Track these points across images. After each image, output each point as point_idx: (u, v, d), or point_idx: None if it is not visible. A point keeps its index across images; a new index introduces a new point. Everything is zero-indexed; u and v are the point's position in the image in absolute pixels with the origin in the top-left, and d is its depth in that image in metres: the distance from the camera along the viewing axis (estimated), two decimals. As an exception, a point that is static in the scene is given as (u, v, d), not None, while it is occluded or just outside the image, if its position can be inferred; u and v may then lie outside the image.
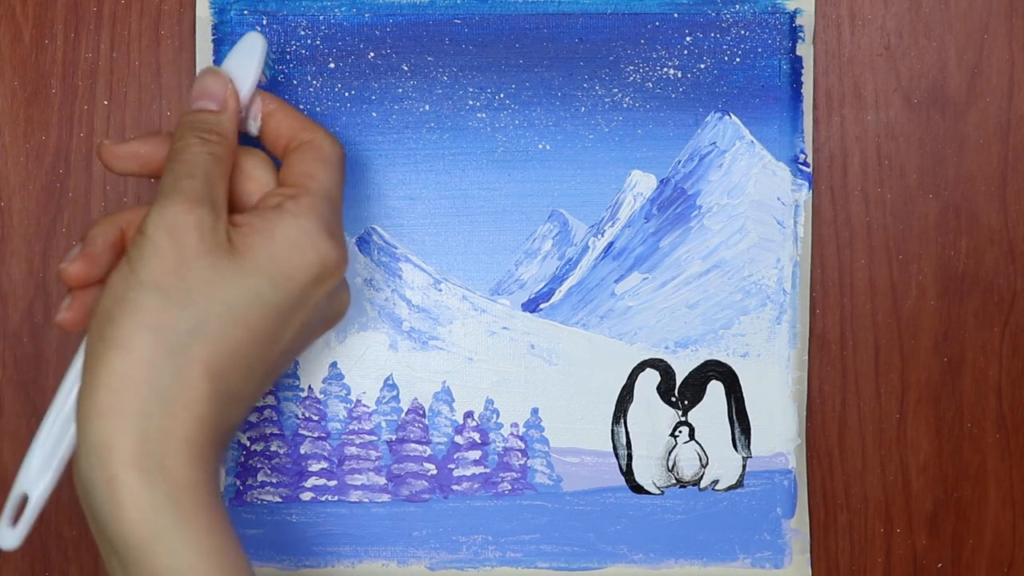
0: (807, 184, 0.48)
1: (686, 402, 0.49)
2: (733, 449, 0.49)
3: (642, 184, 0.48)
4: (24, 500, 0.40)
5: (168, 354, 0.36)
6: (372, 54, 0.48)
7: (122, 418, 0.35)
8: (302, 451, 0.48)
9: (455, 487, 0.48)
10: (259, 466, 0.48)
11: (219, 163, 0.39)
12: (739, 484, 0.49)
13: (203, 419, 0.36)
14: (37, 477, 0.40)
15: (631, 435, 0.49)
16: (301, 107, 0.48)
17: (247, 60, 0.42)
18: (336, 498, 0.48)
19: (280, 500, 0.48)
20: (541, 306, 0.49)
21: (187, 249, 0.36)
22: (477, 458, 0.49)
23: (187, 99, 0.41)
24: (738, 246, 0.48)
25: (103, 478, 0.35)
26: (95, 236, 0.40)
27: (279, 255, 0.37)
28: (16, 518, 0.40)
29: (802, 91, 0.48)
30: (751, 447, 0.49)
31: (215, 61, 0.48)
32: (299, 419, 0.48)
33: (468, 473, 0.49)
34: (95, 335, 0.36)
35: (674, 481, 0.49)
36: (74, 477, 0.37)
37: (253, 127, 0.42)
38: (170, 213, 0.36)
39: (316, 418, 0.48)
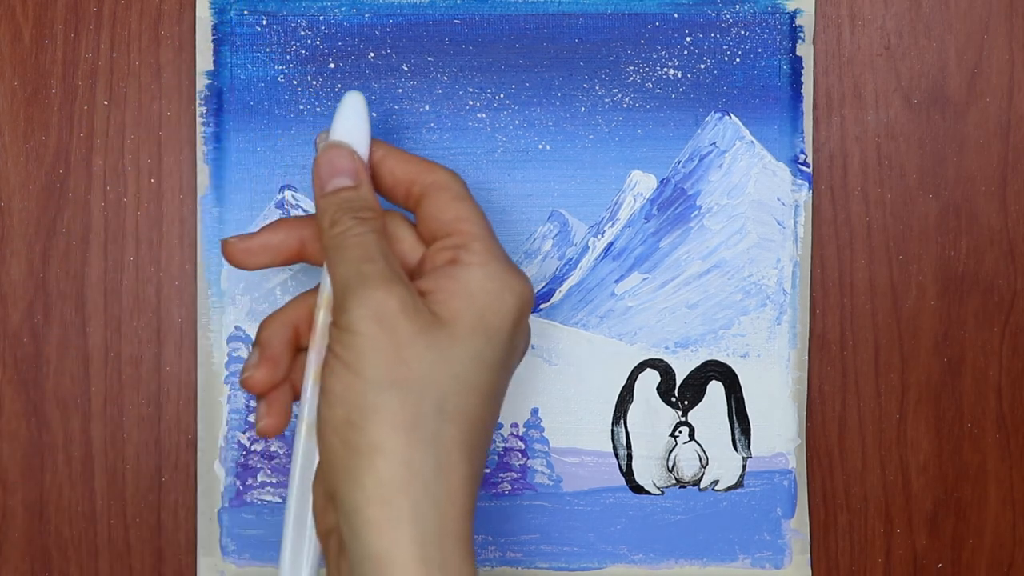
0: (807, 184, 0.48)
1: (686, 402, 0.49)
2: (733, 449, 0.49)
3: (642, 184, 0.48)
4: None
5: (424, 447, 0.34)
6: (372, 54, 0.48)
7: (398, 527, 0.34)
8: (302, 451, 0.48)
9: (455, 487, 0.48)
10: (259, 466, 0.48)
11: (384, 240, 0.37)
12: (739, 484, 0.49)
13: (465, 506, 0.35)
14: (297, 572, 0.39)
15: (631, 435, 0.49)
16: (301, 107, 0.48)
17: (356, 122, 0.40)
18: (336, 498, 0.48)
19: (280, 500, 0.48)
20: (541, 306, 0.49)
21: (401, 334, 0.35)
22: (477, 458, 0.49)
23: (316, 179, 0.39)
24: (738, 246, 0.48)
25: None
26: (270, 339, 0.39)
27: (484, 310, 0.36)
28: None
29: (802, 91, 0.48)
30: (751, 447, 0.49)
31: (215, 61, 0.48)
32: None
33: (468, 473, 0.49)
34: (338, 446, 0.35)
35: (674, 481, 0.49)
36: (339, 572, 0.36)
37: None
38: (371, 301, 0.35)
39: (316, 418, 0.48)
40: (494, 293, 0.36)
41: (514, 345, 0.37)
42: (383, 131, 0.48)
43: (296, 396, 0.40)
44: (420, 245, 0.39)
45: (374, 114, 0.48)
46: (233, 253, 0.40)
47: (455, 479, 0.35)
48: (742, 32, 0.48)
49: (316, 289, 0.40)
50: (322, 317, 0.38)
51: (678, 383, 0.49)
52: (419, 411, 0.34)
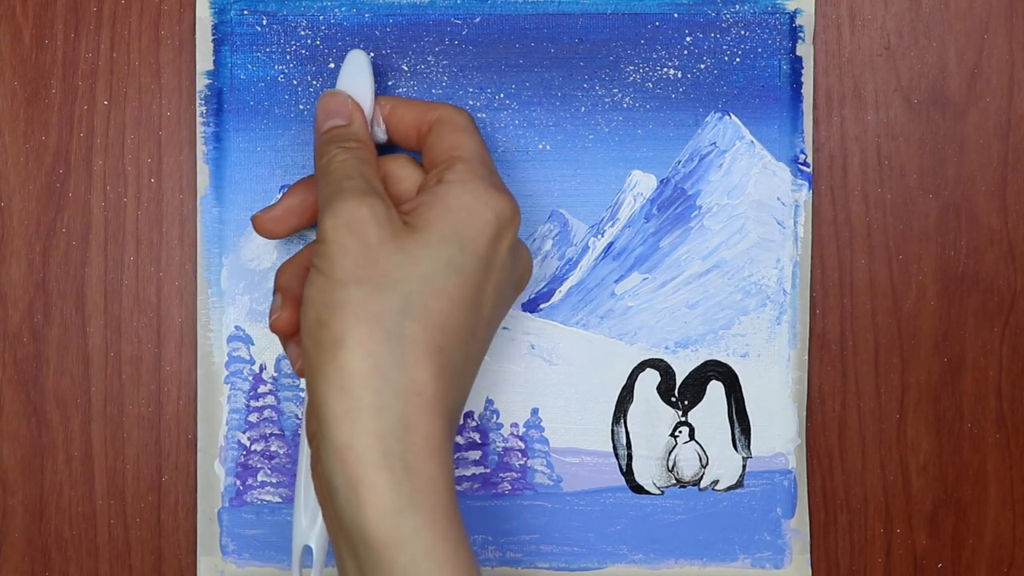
0: (807, 184, 0.48)
1: (686, 402, 0.49)
2: (733, 449, 0.49)
3: (642, 184, 0.48)
4: (307, 550, 0.41)
5: (387, 340, 0.35)
6: (372, 54, 0.48)
7: (359, 417, 0.35)
8: (302, 451, 0.48)
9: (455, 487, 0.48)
10: (259, 466, 0.48)
11: (368, 165, 0.39)
12: (739, 484, 0.49)
13: (434, 402, 0.36)
14: (309, 526, 0.41)
15: (631, 435, 0.49)
16: (301, 107, 0.48)
17: (358, 76, 0.43)
18: (336, 498, 0.48)
19: (280, 500, 0.48)
20: (541, 306, 0.49)
21: (370, 237, 0.36)
22: (477, 458, 0.49)
23: (315, 125, 0.42)
24: (738, 246, 0.48)
25: (346, 481, 0.35)
26: (289, 281, 0.41)
27: (458, 221, 0.37)
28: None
29: (802, 91, 0.48)
30: (751, 447, 0.49)
31: (215, 61, 0.48)
32: (299, 419, 0.48)
33: (468, 473, 0.49)
34: (311, 347, 0.36)
35: (674, 481, 0.49)
36: (315, 481, 0.38)
37: (380, 134, 0.43)
38: (343, 211, 0.37)
39: (316, 418, 0.48)
40: (470, 207, 0.38)
41: (495, 262, 0.38)
42: (383, 131, 0.48)
43: None
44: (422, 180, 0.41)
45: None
46: (262, 224, 0.43)
47: (420, 375, 0.36)
48: (742, 32, 0.48)
49: None
50: None
51: (678, 383, 0.49)
52: (383, 307, 0.36)
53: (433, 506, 0.35)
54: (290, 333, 0.41)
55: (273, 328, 0.41)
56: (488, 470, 0.49)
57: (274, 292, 0.42)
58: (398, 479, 0.35)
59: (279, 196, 0.45)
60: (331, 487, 0.36)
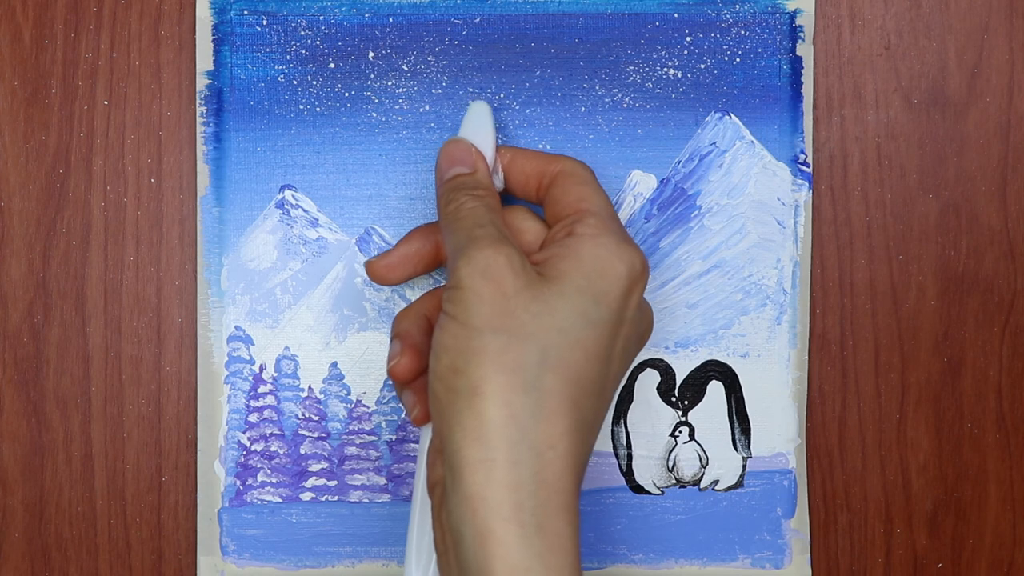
0: (807, 184, 0.48)
1: (686, 402, 0.49)
2: (733, 449, 0.49)
3: (642, 184, 0.48)
4: None
5: (525, 390, 0.35)
6: (372, 54, 0.48)
7: (494, 467, 0.34)
8: (302, 451, 0.48)
9: (455, 487, 0.48)
10: (259, 466, 0.48)
11: (497, 213, 0.39)
12: (739, 484, 0.49)
13: (567, 457, 0.35)
14: (423, 571, 0.40)
15: (631, 435, 0.49)
16: (300, 107, 0.48)
17: (480, 126, 0.42)
18: (336, 498, 0.48)
19: (280, 500, 0.48)
20: (541, 306, 0.49)
21: (506, 287, 0.36)
22: (477, 458, 0.48)
23: (437, 172, 0.42)
24: (738, 246, 0.48)
25: (475, 532, 0.34)
26: (408, 329, 0.41)
27: (592, 273, 0.37)
28: None
29: (802, 91, 0.48)
30: (751, 447, 0.49)
31: (215, 61, 0.48)
32: (299, 419, 0.48)
33: (468, 473, 0.49)
34: (442, 393, 0.36)
35: (674, 481, 0.49)
36: (436, 529, 0.37)
37: (498, 182, 0.43)
38: (479, 258, 0.36)
39: (316, 418, 0.48)
40: (604, 259, 0.37)
41: (626, 316, 0.38)
42: (383, 131, 0.48)
43: None
44: (544, 234, 0.41)
45: (373, 114, 0.48)
46: (376, 271, 0.43)
47: (556, 428, 0.35)
48: (742, 32, 0.48)
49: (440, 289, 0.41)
50: None
51: (678, 383, 0.49)
52: (521, 357, 0.35)
53: (560, 566, 0.34)
54: (408, 379, 0.41)
55: (392, 374, 0.41)
56: (488, 470, 0.48)
57: (392, 339, 0.42)
58: (529, 535, 0.34)
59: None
60: (458, 537, 0.35)
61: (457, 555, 0.35)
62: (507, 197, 0.44)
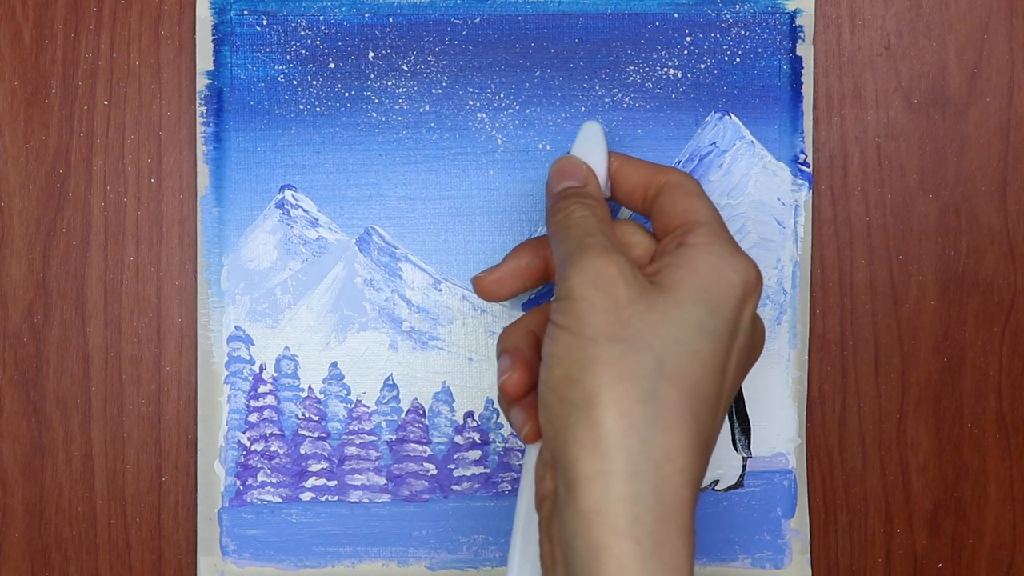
0: (807, 184, 0.48)
1: (686, 402, 0.49)
2: (733, 449, 0.49)
3: (642, 184, 0.48)
4: None
5: (643, 401, 0.33)
6: (372, 54, 0.48)
7: (611, 481, 0.33)
8: (302, 451, 0.48)
9: (455, 487, 0.48)
10: (259, 466, 0.48)
11: (607, 224, 0.38)
12: (739, 484, 0.49)
13: (685, 471, 0.34)
14: None
15: (631, 435, 0.48)
16: (300, 107, 0.48)
17: (593, 145, 0.42)
18: (336, 498, 0.48)
19: (280, 500, 0.48)
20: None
21: (618, 296, 0.35)
22: (477, 458, 0.49)
23: (547, 188, 0.41)
24: (738, 246, 0.48)
25: (589, 547, 0.33)
26: (518, 344, 0.40)
27: (707, 283, 0.36)
28: None
29: (802, 91, 0.48)
30: (751, 447, 0.49)
31: (215, 61, 0.48)
32: (299, 419, 0.48)
33: (468, 473, 0.49)
34: (556, 404, 0.35)
35: (674, 481, 0.49)
36: (544, 542, 0.36)
37: (606, 191, 0.42)
38: (590, 267, 0.35)
39: (316, 418, 0.48)
40: (718, 269, 0.36)
41: (740, 327, 0.36)
42: (383, 131, 0.48)
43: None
44: (653, 247, 0.39)
45: (373, 114, 0.48)
46: (485, 286, 0.42)
47: (674, 441, 0.34)
48: (742, 32, 0.48)
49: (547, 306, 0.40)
50: None
51: (678, 383, 0.49)
52: (637, 367, 0.34)
53: None
54: (519, 395, 0.39)
55: (504, 389, 0.39)
56: (488, 470, 0.49)
57: (499, 354, 0.41)
58: (644, 551, 0.33)
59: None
60: (569, 551, 0.34)
61: (567, 570, 0.34)
62: (614, 208, 0.44)
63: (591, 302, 0.35)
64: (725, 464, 0.49)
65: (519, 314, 0.49)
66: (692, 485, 0.34)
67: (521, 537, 0.39)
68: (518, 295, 0.43)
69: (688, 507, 0.34)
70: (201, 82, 0.48)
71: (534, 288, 0.43)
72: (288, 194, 0.48)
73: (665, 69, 0.48)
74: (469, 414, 0.49)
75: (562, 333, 0.35)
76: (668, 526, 0.33)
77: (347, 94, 0.48)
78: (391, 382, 0.48)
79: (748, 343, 0.37)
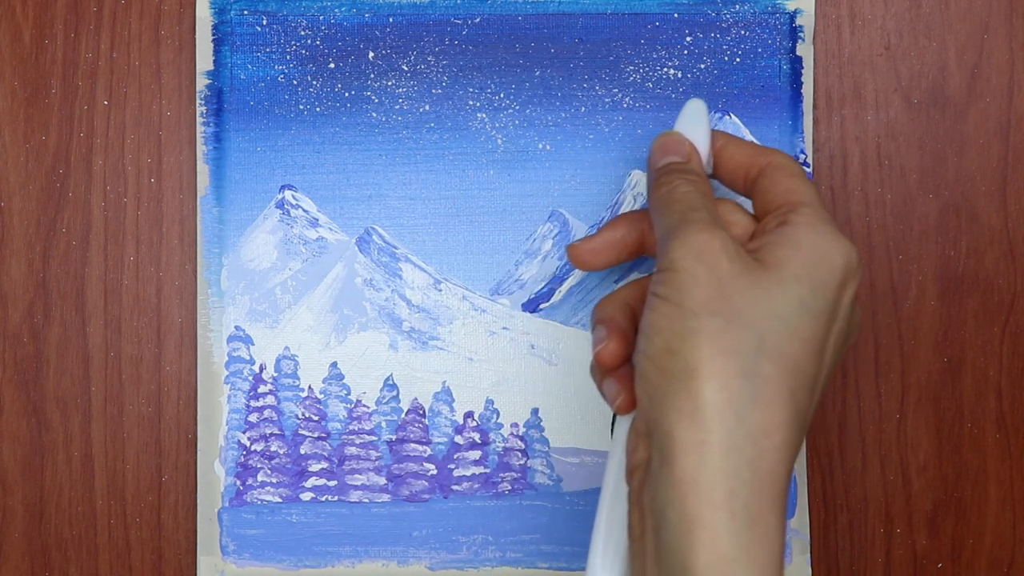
0: (807, 184, 0.48)
1: (686, 402, 0.49)
2: (733, 449, 0.49)
3: (642, 184, 0.48)
4: None
5: (743, 376, 0.34)
6: (372, 54, 0.48)
7: (708, 451, 0.33)
8: (302, 451, 0.48)
9: (455, 487, 0.48)
10: (259, 466, 0.48)
11: (710, 200, 0.38)
12: (739, 484, 0.49)
13: (781, 450, 0.34)
14: (605, 566, 0.38)
15: (631, 435, 0.48)
16: (300, 107, 0.48)
17: (696, 123, 0.41)
18: (336, 498, 0.48)
19: (280, 500, 0.48)
20: (541, 306, 0.49)
21: (721, 271, 0.35)
22: (477, 458, 0.49)
23: (649, 163, 0.41)
24: (738, 246, 0.48)
25: (682, 517, 0.33)
26: (612, 315, 0.40)
27: (809, 262, 0.36)
28: None
29: (802, 91, 0.48)
30: (751, 447, 0.49)
31: (215, 61, 0.48)
32: (299, 419, 0.48)
33: (468, 473, 0.49)
34: (655, 375, 0.35)
35: (674, 481, 0.49)
36: (633, 513, 0.36)
37: (708, 168, 0.42)
38: (694, 241, 0.35)
39: (316, 418, 0.48)
40: (822, 249, 0.36)
41: (840, 310, 0.36)
42: (383, 131, 0.48)
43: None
44: (752, 228, 0.39)
45: (373, 114, 0.48)
46: (579, 255, 0.42)
47: (773, 418, 0.34)
48: (742, 32, 0.48)
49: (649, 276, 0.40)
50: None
51: (678, 383, 0.49)
52: (738, 342, 0.34)
53: (765, 563, 0.33)
54: (615, 365, 0.39)
55: (599, 359, 0.39)
56: (488, 470, 0.49)
57: (594, 325, 0.41)
58: (738, 525, 0.33)
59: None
60: (661, 521, 0.34)
61: (657, 540, 0.34)
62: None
63: (694, 275, 0.35)
64: (725, 464, 0.49)
65: (519, 314, 0.49)
66: (787, 463, 0.34)
67: (608, 508, 0.39)
68: (612, 267, 0.43)
69: (782, 485, 0.34)
70: (201, 82, 0.48)
71: (628, 260, 0.43)
72: (288, 194, 0.48)
73: (665, 69, 0.48)
74: (469, 414, 0.49)
75: (663, 304, 0.35)
76: (762, 501, 0.33)
77: (347, 94, 0.48)
78: (391, 382, 0.48)
79: (845, 328, 0.37)
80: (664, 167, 0.40)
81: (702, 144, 0.41)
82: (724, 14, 0.48)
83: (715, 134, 0.42)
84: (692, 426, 0.33)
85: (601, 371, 0.40)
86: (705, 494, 0.33)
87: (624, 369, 0.39)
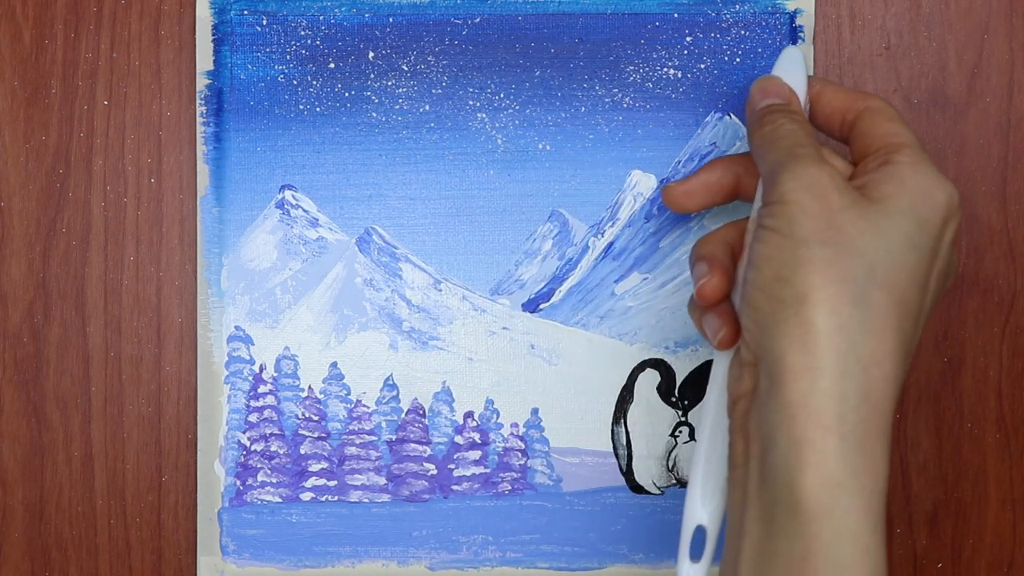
0: (807, 184, 0.48)
1: (686, 402, 0.49)
2: (733, 449, 0.49)
3: (642, 184, 0.48)
4: (699, 532, 0.39)
5: (853, 303, 0.34)
6: (372, 54, 0.48)
7: (819, 376, 0.34)
8: (302, 451, 0.48)
9: (455, 487, 0.48)
10: (259, 466, 0.48)
11: (813, 138, 0.39)
12: (739, 484, 0.49)
13: (889, 379, 0.35)
14: (704, 503, 0.39)
15: (631, 435, 0.49)
16: (300, 107, 0.48)
17: (793, 68, 0.42)
18: (336, 498, 0.48)
19: (280, 500, 0.48)
20: (541, 306, 0.49)
21: (831, 202, 0.35)
22: (477, 458, 0.49)
23: (748, 105, 0.42)
24: (738, 246, 0.48)
25: (791, 439, 0.34)
26: (713, 252, 0.41)
27: (914, 198, 0.36)
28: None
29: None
30: (751, 447, 0.49)
31: (215, 61, 0.48)
32: (299, 419, 0.48)
33: (468, 473, 0.49)
34: (764, 303, 0.35)
35: (674, 481, 0.49)
36: (736, 440, 0.37)
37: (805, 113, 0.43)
38: (804, 174, 0.36)
39: (316, 418, 0.48)
40: (925, 186, 0.37)
41: (941, 247, 0.37)
42: (383, 131, 0.48)
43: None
44: (849, 171, 0.40)
45: (373, 114, 0.48)
46: (674, 196, 0.43)
47: (882, 346, 0.34)
48: (742, 32, 0.48)
49: (746, 219, 0.41)
50: (751, 238, 0.39)
51: (678, 383, 0.49)
52: (848, 270, 0.34)
53: (871, 490, 0.34)
54: (717, 300, 0.40)
55: (701, 294, 0.40)
56: (488, 470, 0.49)
57: (694, 262, 0.41)
58: (848, 450, 0.33)
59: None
60: (768, 444, 0.34)
61: (762, 464, 0.35)
62: None
63: (803, 206, 0.35)
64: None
65: (520, 314, 0.49)
66: (894, 393, 0.35)
67: (707, 443, 0.40)
68: (705, 209, 0.45)
69: (889, 414, 0.35)
70: (201, 82, 0.48)
71: (721, 204, 0.44)
72: (288, 194, 0.48)
73: (665, 69, 0.48)
74: (469, 414, 0.49)
75: (772, 235, 0.36)
76: (870, 428, 0.34)
77: (347, 94, 0.48)
78: (391, 382, 0.48)
79: (945, 268, 0.38)
80: (766, 107, 0.40)
81: (800, 89, 0.42)
82: (724, 14, 0.48)
83: (811, 80, 0.42)
84: (803, 351, 0.34)
85: (702, 307, 0.41)
86: (815, 417, 0.34)
87: (724, 306, 0.40)
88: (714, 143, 0.48)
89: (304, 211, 0.48)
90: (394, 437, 0.48)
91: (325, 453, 0.48)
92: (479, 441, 0.48)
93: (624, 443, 0.49)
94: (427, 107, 0.48)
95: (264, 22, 0.48)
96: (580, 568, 0.49)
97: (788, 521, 0.34)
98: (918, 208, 0.36)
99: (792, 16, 0.48)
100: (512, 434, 0.48)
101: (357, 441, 0.48)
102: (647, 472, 0.49)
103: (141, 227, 0.49)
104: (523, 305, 0.49)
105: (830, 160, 0.40)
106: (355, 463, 0.48)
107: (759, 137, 0.39)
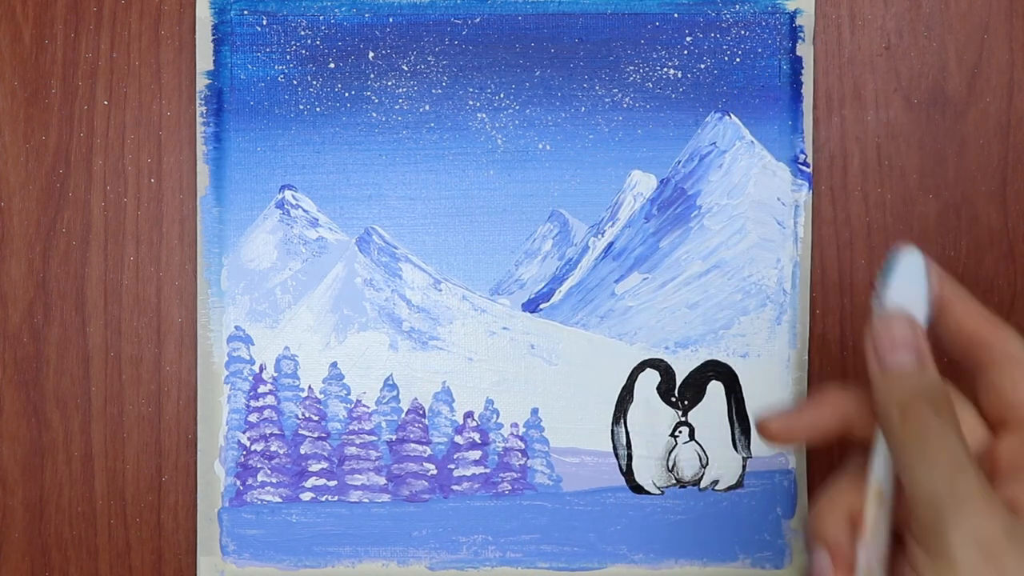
0: (807, 184, 0.48)
1: (686, 402, 0.49)
2: (733, 449, 0.49)
3: (642, 184, 0.48)
4: None
5: None
6: (372, 54, 0.48)
7: None
8: (302, 451, 0.48)
9: (455, 487, 0.48)
10: (259, 466, 0.48)
11: (965, 442, 0.32)
12: (739, 484, 0.49)
13: None
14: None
15: (631, 435, 0.49)
16: (300, 107, 0.48)
17: (914, 285, 0.35)
18: (336, 498, 0.48)
19: (280, 500, 0.48)
20: (541, 306, 0.49)
21: (1006, 567, 0.30)
22: (477, 458, 0.49)
23: (871, 349, 0.34)
24: (738, 246, 0.48)
25: None
26: (836, 538, 0.35)
27: None
28: None
29: (802, 91, 0.48)
30: (751, 447, 0.49)
31: (215, 61, 0.48)
32: (299, 419, 0.48)
33: (468, 473, 0.49)
34: None
35: (674, 481, 0.49)
36: None
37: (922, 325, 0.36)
38: (973, 529, 0.30)
39: (316, 418, 0.48)
40: None
41: None
42: (383, 131, 0.48)
43: None
44: (979, 424, 0.35)
45: (373, 114, 0.48)
46: (773, 433, 0.36)
47: None
48: (742, 32, 0.48)
49: (861, 472, 0.36)
50: (872, 514, 0.34)
51: (678, 383, 0.49)
52: None
53: None
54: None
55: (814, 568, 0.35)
56: (488, 470, 0.49)
57: (813, 544, 0.35)
58: None
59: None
60: None
61: None
62: None
63: (974, 568, 0.30)
64: (725, 464, 0.49)
65: (520, 314, 0.49)
66: None
67: None
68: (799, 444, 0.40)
69: None
70: (201, 82, 0.48)
71: (821, 441, 0.37)
72: (288, 194, 0.48)
73: (665, 69, 0.48)
74: (469, 414, 0.49)
75: None
76: None
77: (347, 94, 0.48)
78: (391, 382, 0.48)
79: None
80: (899, 380, 0.34)
81: (920, 311, 0.35)
82: (724, 14, 0.48)
83: (941, 282, 0.35)
84: None
85: None
86: None
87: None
88: (714, 143, 0.48)
89: (304, 211, 0.48)
90: (394, 437, 0.48)
91: (325, 453, 0.48)
92: (479, 441, 0.48)
93: (624, 443, 0.49)
94: (427, 107, 0.48)
95: (264, 22, 0.48)
96: (580, 568, 0.49)
97: None
98: None
99: (792, 16, 0.48)
100: (512, 434, 0.48)
101: (357, 441, 0.48)
102: (647, 472, 0.49)
103: (141, 227, 0.49)
104: (523, 305, 0.49)
105: (964, 425, 0.33)
106: (355, 463, 0.48)
107: (901, 431, 0.33)
